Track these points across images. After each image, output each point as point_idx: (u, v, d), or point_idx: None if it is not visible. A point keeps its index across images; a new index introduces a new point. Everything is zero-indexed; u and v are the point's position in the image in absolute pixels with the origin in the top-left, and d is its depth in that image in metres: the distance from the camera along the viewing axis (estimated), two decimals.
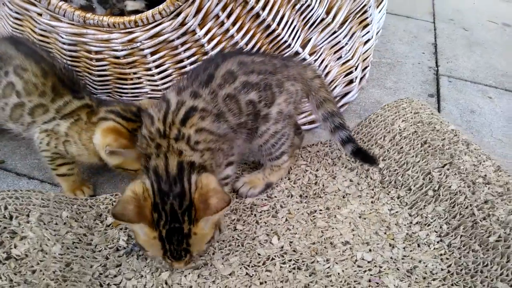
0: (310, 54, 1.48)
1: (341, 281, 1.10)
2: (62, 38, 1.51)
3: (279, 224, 1.24)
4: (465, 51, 2.35)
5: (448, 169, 1.32)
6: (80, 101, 1.28)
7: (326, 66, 1.55)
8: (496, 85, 2.09)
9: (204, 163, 1.02)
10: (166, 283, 1.07)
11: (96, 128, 1.21)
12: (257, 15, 1.34)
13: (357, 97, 1.84)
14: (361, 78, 1.81)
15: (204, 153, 1.03)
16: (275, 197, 1.32)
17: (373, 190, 1.37)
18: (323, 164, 1.44)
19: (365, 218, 1.28)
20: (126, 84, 1.57)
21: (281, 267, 1.13)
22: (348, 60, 1.60)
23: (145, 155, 1.02)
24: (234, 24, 1.37)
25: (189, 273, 1.09)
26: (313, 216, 1.27)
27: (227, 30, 1.38)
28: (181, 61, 1.47)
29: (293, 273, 1.11)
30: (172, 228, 0.94)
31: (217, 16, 1.36)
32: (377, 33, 1.78)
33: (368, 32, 1.63)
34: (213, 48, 1.41)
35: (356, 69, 1.66)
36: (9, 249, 0.99)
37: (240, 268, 1.12)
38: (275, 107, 1.20)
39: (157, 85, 1.56)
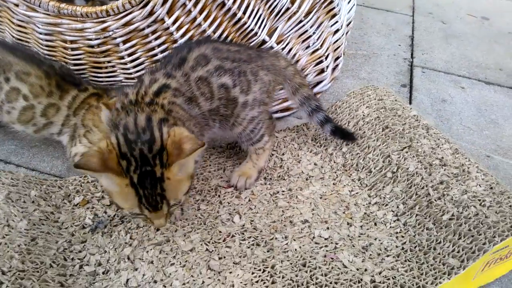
0: (278, 43, 1.53)
1: (297, 256, 1.15)
2: (39, 28, 1.56)
3: (241, 204, 1.29)
4: (441, 43, 2.40)
5: (406, 152, 1.37)
6: (86, 92, 1.36)
7: (294, 55, 1.60)
8: (469, 76, 2.14)
9: (176, 123, 1.02)
10: (128, 258, 1.12)
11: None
12: (223, 4, 1.39)
13: (330, 87, 1.89)
14: (333, 69, 1.86)
15: (176, 121, 1.03)
16: None
17: (335, 173, 1.42)
18: (289, 149, 1.49)
19: (325, 199, 1.33)
20: (101, 73, 1.62)
21: (240, 243, 1.18)
22: (317, 50, 1.65)
23: (114, 123, 1.02)
24: (201, 12, 1.42)
25: (151, 249, 1.14)
26: (275, 197, 1.32)
27: (195, 19, 1.43)
28: (152, 49, 1.51)
29: (252, 249, 1.16)
30: (143, 172, 0.92)
31: (184, 5, 1.40)
32: (348, 24, 1.83)
33: (337, 22, 1.67)
34: (182, 36, 1.45)
35: (326, 58, 1.71)
36: None
37: (201, 245, 1.17)
38: (251, 94, 1.24)
39: (130, 73, 1.60)
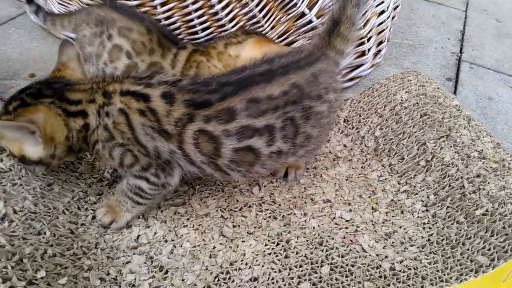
0: (317, 17, 1.47)
1: (314, 234, 1.09)
2: None
3: (262, 177, 1.24)
4: (493, 41, 2.26)
5: (444, 141, 1.29)
6: (186, 50, 1.28)
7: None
8: None
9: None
10: (142, 215, 1.10)
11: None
12: None
13: (370, 73, 1.81)
14: (375, 54, 1.78)
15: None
16: None
17: (365, 156, 1.35)
18: None
19: (351, 181, 1.27)
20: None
21: (257, 214, 1.13)
22: (359, 29, 1.57)
23: None
24: None
25: (166, 209, 1.12)
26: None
27: None
28: (189, 13, 1.48)
29: (268, 221, 1.12)
30: None
31: None
32: (394, 8, 1.74)
33: (383, 2, 1.60)
34: (219, 2, 1.42)
35: (368, 40, 1.63)
36: None
37: (216, 211, 1.13)
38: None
39: None
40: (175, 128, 0.90)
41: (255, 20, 1.43)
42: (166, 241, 1.05)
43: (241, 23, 1.46)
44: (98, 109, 0.92)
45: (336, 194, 1.22)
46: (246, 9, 1.41)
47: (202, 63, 1.26)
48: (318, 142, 1.08)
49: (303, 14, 1.45)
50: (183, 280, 0.98)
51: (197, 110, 0.91)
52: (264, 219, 1.12)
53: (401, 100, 1.43)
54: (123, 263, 1.00)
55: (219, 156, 0.93)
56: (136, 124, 0.91)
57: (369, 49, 1.66)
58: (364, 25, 1.58)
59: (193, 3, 1.43)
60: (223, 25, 1.46)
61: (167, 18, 1.47)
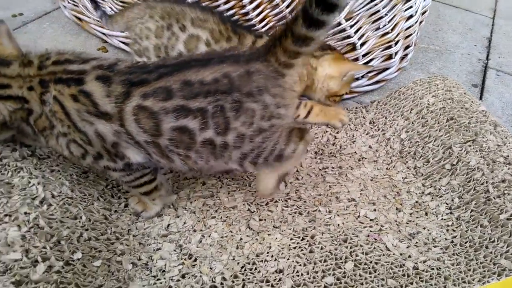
0: (347, 20, 1.49)
1: (339, 231, 1.12)
2: None
3: (289, 174, 1.27)
4: None
5: (470, 146, 1.29)
6: (263, 39, 1.29)
7: (362, 35, 1.56)
8: None
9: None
10: (172, 205, 1.13)
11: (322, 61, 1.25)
12: None
13: (396, 76, 1.82)
14: (402, 58, 1.79)
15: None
16: None
17: (390, 158, 1.37)
18: (345, 128, 1.45)
19: (376, 182, 1.28)
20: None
21: (282, 209, 1.16)
22: (387, 33, 1.59)
23: None
24: None
25: (195, 200, 1.15)
26: (324, 171, 1.29)
27: None
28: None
29: (293, 216, 1.14)
30: None
31: None
32: (422, 13, 1.75)
33: (411, 7, 1.61)
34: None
35: (395, 44, 1.65)
36: (34, 148, 1.10)
37: (243, 204, 1.16)
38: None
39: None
40: (115, 107, 0.92)
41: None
42: (194, 230, 1.09)
43: (271, 24, 1.49)
44: (40, 97, 0.94)
45: (361, 194, 1.24)
46: (277, 10, 1.44)
47: None
48: (260, 152, 1.00)
49: None
50: (211, 268, 1.01)
51: (134, 87, 0.92)
52: (290, 214, 1.15)
53: (428, 104, 1.44)
54: (154, 250, 1.03)
55: (160, 134, 0.94)
56: (71, 110, 0.92)
57: (396, 53, 1.68)
58: (392, 29, 1.59)
59: (225, 3, 1.47)
60: (253, 26, 1.49)
61: None
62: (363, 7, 1.49)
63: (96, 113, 0.92)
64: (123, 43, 1.76)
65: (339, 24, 1.48)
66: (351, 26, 1.51)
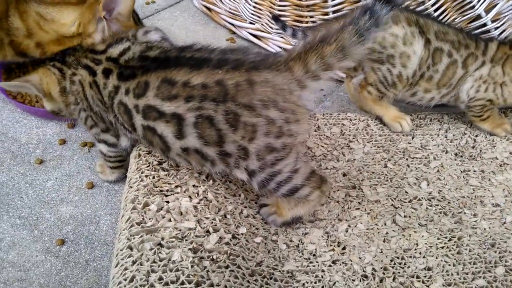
0: (493, 21, 1.44)
1: (486, 235, 1.09)
2: None
3: (429, 173, 1.25)
4: None
5: None
6: (493, 42, 1.34)
7: (505, 39, 1.50)
8: None
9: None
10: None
11: None
12: None
13: None
14: None
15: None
16: (429, 149, 1.33)
17: None
18: (483, 132, 1.40)
19: None
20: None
21: (427, 208, 1.15)
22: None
23: None
24: None
25: (338, 190, 1.17)
26: (466, 174, 1.26)
27: None
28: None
29: (439, 216, 1.13)
30: None
31: None
32: None
33: None
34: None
35: None
36: None
37: (386, 199, 1.16)
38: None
39: None
40: (108, 100, 0.99)
41: None
42: (340, 220, 1.10)
43: None
44: (71, 75, 1.07)
45: (505, 200, 1.19)
46: (422, 7, 1.43)
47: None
48: (273, 174, 0.92)
49: (478, 17, 1.43)
50: (360, 258, 1.02)
51: (123, 82, 0.95)
52: (435, 213, 1.13)
53: None
54: (303, 233, 1.06)
55: (135, 130, 0.97)
56: (88, 94, 1.04)
57: None
58: None
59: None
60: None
61: None
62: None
63: (102, 102, 1.02)
64: (252, 35, 1.81)
65: (485, 25, 1.43)
66: (496, 28, 1.46)
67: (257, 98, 0.85)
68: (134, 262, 0.85)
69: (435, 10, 1.42)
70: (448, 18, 1.43)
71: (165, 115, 0.89)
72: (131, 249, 0.88)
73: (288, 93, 0.87)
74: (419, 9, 1.42)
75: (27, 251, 1.10)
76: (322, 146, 1.29)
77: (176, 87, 0.87)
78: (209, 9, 1.98)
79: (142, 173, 1.03)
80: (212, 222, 0.95)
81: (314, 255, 1.02)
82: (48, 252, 1.10)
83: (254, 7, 1.76)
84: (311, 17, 1.64)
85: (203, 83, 0.86)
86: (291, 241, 1.04)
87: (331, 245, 1.04)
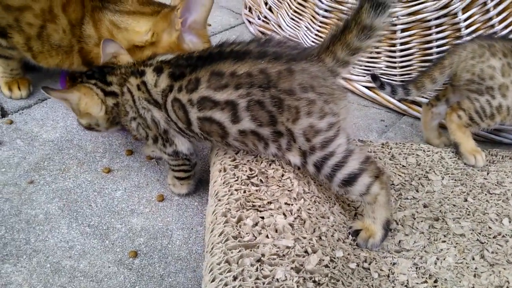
0: None
1: None
2: (322, 4, 1.69)
3: (510, 209, 1.21)
4: None
5: None
6: None
7: None
8: None
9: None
10: (398, 221, 1.12)
11: None
12: None
13: None
14: None
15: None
16: (505, 185, 1.29)
17: None
18: None
19: None
20: (361, 57, 1.68)
21: None
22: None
23: None
24: (499, 14, 1.41)
25: (421, 221, 1.13)
26: None
27: (490, 19, 1.42)
28: (429, 42, 1.54)
29: None
30: None
31: (484, 3, 1.41)
32: None
33: None
34: (469, 34, 1.45)
35: None
36: None
37: (471, 233, 1.12)
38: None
39: (394, 62, 1.64)
40: (161, 98, 1.03)
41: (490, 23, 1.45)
42: (426, 252, 1.06)
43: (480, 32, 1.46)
44: (121, 89, 1.10)
45: None
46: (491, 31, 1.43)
47: None
48: (326, 156, 0.97)
49: None
50: None
51: (175, 81, 1.01)
52: None
53: None
54: (391, 263, 1.02)
55: (191, 124, 1.02)
56: (136, 98, 1.07)
57: None
58: None
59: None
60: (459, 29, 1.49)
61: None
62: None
63: (151, 101, 1.05)
64: None
65: None
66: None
67: (296, 83, 0.93)
68: (235, 278, 0.81)
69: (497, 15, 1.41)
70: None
71: (219, 103, 0.96)
72: (230, 263, 0.83)
73: (323, 80, 0.96)
74: (489, 32, 1.42)
75: (99, 261, 1.05)
76: (400, 175, 1.26)
77: (225, 77, 0.95)
78: (265, 35, 1.99)
79: (231, 187, 1.00)
80: (309, 243, 0.91)
81: (406, 286, 0.97)
82: (121, 264, 1.05)
83: (316, 35, 1.77)
84: (376, 47, 1.64)
85: (248, 72, 0.94)
86: (381, 270, 1.00)
87: (422, 277, 0.99)
